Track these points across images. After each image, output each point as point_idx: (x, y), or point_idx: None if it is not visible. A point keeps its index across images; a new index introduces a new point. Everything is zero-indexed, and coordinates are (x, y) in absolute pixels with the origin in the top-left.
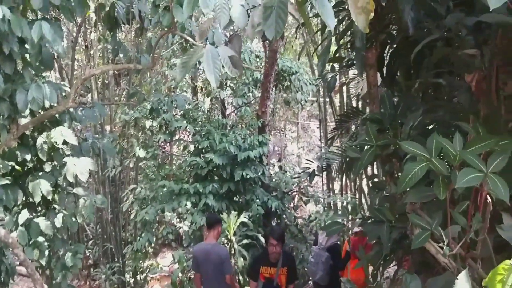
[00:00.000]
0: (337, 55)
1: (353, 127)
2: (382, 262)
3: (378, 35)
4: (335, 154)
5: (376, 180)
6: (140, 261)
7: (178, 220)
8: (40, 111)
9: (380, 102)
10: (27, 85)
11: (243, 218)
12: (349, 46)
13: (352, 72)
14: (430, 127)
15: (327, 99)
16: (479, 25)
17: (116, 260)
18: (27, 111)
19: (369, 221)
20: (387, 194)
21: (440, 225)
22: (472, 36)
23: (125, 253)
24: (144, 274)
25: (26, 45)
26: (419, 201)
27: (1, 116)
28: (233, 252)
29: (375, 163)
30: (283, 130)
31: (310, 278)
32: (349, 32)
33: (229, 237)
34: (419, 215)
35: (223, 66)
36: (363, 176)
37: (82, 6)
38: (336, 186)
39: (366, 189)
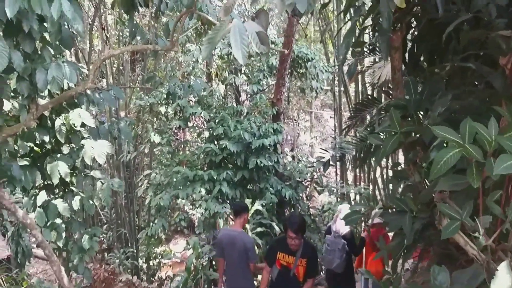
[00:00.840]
0: (359, 39)
1: (368, 117)
2: (402, 254)
3: (404, 17)
4: (350, 143)
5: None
6: (153, 247)
7: (191, 207)
8: (58, 92)
9: (404, 88)
10: (46, 65)
11: (258, 206)
12: (370, 30)
13: (368, 60)
14: (453, 114)
15: (342, 88)
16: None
17: (129, 245)
18: (46, 92)
19: (390, 211)
20: (410, 183)
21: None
22: (505, 17)
23: (138, 239)
24: (157, 260)
25: (45, 24)
26: (450, 189)
27: (21, 96)
28: None
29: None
30: (296, 119)
31: (323, 268)
32: (369, 18)
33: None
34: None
35: (250, 43)
36: (377, 168)
37: None
38: (349, 177)
39: (379, 181)
